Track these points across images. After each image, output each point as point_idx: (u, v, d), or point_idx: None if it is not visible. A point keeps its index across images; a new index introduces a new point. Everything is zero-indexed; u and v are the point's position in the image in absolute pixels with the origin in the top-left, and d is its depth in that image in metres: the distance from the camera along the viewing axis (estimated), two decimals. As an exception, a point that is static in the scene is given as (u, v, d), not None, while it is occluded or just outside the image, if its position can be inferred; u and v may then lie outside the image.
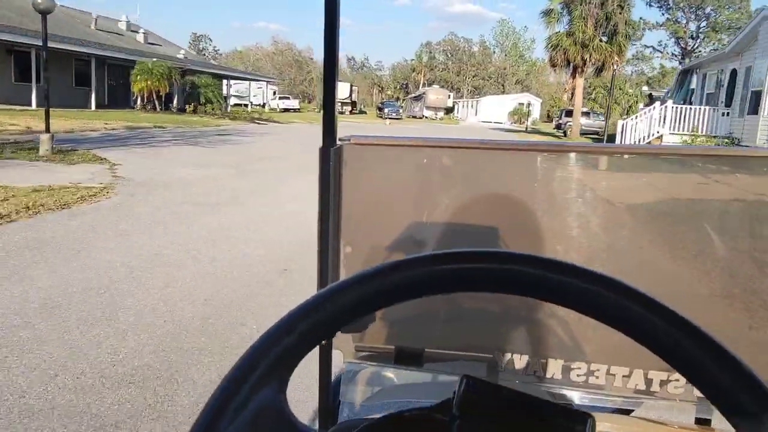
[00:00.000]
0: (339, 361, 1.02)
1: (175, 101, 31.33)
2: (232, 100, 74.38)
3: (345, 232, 0.99)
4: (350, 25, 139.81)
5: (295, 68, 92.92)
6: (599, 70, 31.98)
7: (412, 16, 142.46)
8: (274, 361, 0.41)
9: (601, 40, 30.02)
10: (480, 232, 1.07)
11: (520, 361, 1.03)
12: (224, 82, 41.87)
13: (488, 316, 1.06)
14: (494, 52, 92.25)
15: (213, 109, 30.69)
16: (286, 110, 66.55)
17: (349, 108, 68.06)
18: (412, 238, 1.07)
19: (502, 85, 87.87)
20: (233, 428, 0.39)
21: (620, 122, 21.29)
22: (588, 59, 29.87)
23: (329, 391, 0.95)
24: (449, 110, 78.91)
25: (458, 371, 0.98)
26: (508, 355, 1.03)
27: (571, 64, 31.38)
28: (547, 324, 1.06)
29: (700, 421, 0.99)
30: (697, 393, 0.96)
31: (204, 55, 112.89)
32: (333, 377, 0.97)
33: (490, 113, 61.07)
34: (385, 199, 1.13)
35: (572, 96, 34.09)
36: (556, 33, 31.26)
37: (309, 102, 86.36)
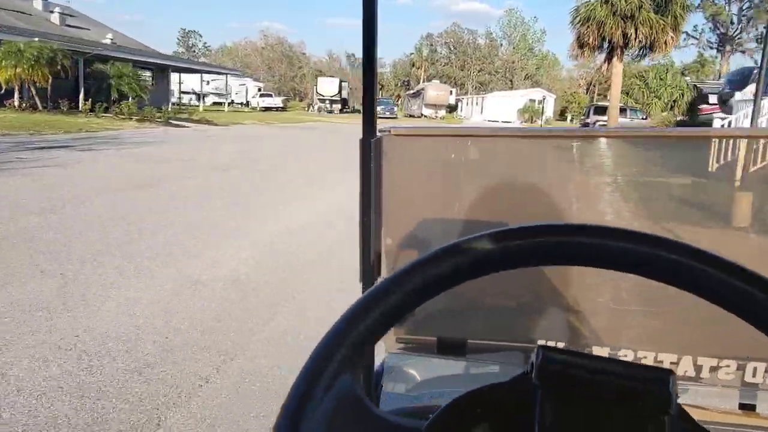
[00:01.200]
0: (380, 352, 0.98)
1: (81, 96, 23.16)
2: (210, 99, 67.03)
3: (385, 224, 0.97)
4: (354, 25, 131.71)
5: (286, 64, 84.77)
6: (645, 52, 23.56)
7: (415, 16, 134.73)
8: (349, 348, 0.41)
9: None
10: (521, 221, 0.84)
11: None
12: (176, 76, 34.15)
13: (531, 306, 1.04)
14: (501, 44, 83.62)
15: (129, 107, 22.52)
16: (267, 109, 58.63)
17: (339, 106, 60.03)
18: (452, 229, 1.06)
19: (510, 81, 79.29)
20: (317, 415, 0.39)
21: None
22: (633, 36, 21.49)
23: (371, 381, 0.93)
24: (452, 108, 70.56)
25: (501, 361, 0.99)
26: (552, 345, 0.97)
27: (607, 44, 23.01)
28: (592, 312, 1.03)
29: (743, 407, 0.98)
30: (744, 378, 0.97)
31: (193, 51, 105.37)
32: (375, 368, 0.96)
33: (497, 111, 52.77)
34: (425, 189, 1.10)
35: (589, 89, 25.53)
36: (586, 2, 22.95)
37: (300, 99, 78.59)
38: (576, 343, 1.02)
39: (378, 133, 0.96)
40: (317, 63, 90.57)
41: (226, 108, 39.44)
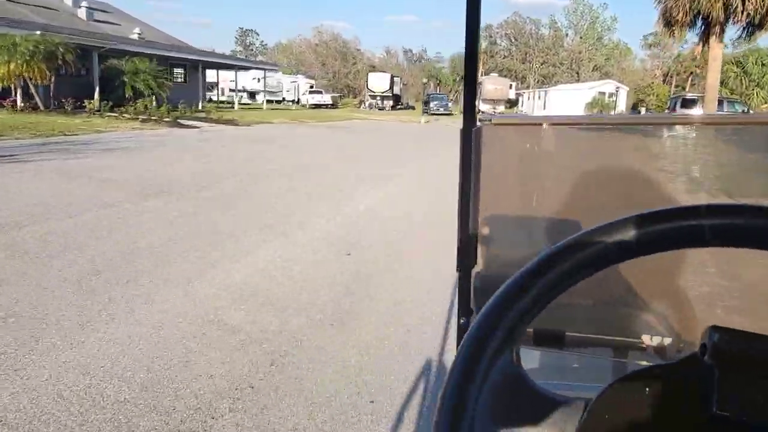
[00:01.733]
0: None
1: (96, 95, 21.06)
2: (263, 96, 65.49)
3: (482, 213, 0.97)
4: (416, 21, 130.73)
5: (340, 60, 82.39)
6: (751, 30, 18.87)
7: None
8: (509, 325, 0.42)
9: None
10: (622, 212, 0.91)
11: (670, 345, 0.97)
12: (212, 73, 31.95)
13: (632, 298, 1.00)
14: (567, 34, 77.67)
15: (145, 105, 20.18)
16: (316, 106, 56.31)
17: (391, 102, 56.85)
18: (551, 219, 1.05)
19: (577, 73, 73.36)
20: (484, 389, 0.40)
21: None
22: (739, 8, 16.99)
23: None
24: (512, 103, 65.97)
25: (601, 354, 0.98)
26: (657, 338, 0.97)
27: (701, 20, 18.54)
28: (698, 305, 0.99)
29: None
30: None
31: (251, 50, 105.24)
32: None
33: (562, 105, 47.93)
34: (523, 178, 1.09)
35: (666, 80, 20.85)
36: (677, -30, 18.59)
37: (354, 96, 76.10)
38: (682, 337, 0.97)
39: (478, 123, 0.94)
40: (371, 59, 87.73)
41: (264, 106, 37.00)
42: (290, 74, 72.69)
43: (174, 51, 26.77)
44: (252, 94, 66.26)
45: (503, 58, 76.96)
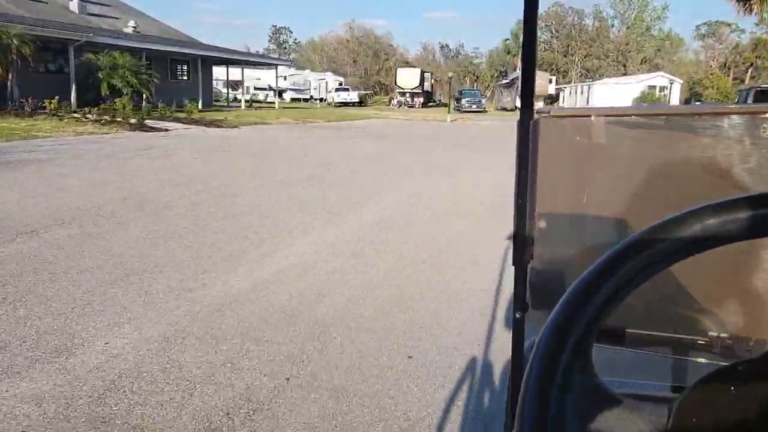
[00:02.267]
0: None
1: (73, 93, 18.61)
2: (288, 94, 63.13)
3: (540, 207, 0.96)
4: (455, 18, 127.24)
5: (371, 56, 79.36)
6: None
7: (517, 3, 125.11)
8: (588, 320, 0.41)
9: None
10: (683, 207, 0.88)
11: (737, 343, 0.94)
12: (221, 70, 29.30)
13: (696, 295, 0.98)
14: (612, 25, 72.42)
15: (123, 104, 17.57)
16: (343, 104, 53.48)
17: (421, 100, 53.41)
18: (609, 215, 1.03)
19: (624, 66, 68.09)
20: (563, 403, 0.39)
21: None
22: None
23: (522, 365, 0.93)
24: (553, 99, 61.70)
25: (661, 352, 0.97)
26: (723, 336, 0.94)
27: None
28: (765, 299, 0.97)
29: None
30: None
31: (284, 48, 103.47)
32: (524, 351, 0.98)
33: (607, 100, 43.59)
34: (581, 173, 1.06)
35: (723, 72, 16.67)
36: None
37: (386, 93, 73.06)
38: (754, 336, 0.94)
39: (536, 115, 0.93)
40: (405, 55, 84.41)
41: (277, 104, 34.13)
42: (319, 71, 70.53)
43: (170, 45, 24.19)
44: (279, 93, 64.18)
45: (544, 51, 72.21)
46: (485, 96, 53.40)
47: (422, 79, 51.82)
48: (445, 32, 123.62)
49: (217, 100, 57.17)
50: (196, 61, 27.09)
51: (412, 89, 51.69)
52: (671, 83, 40.96)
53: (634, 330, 0.95)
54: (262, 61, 30.22)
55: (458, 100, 48.53)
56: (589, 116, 1.03)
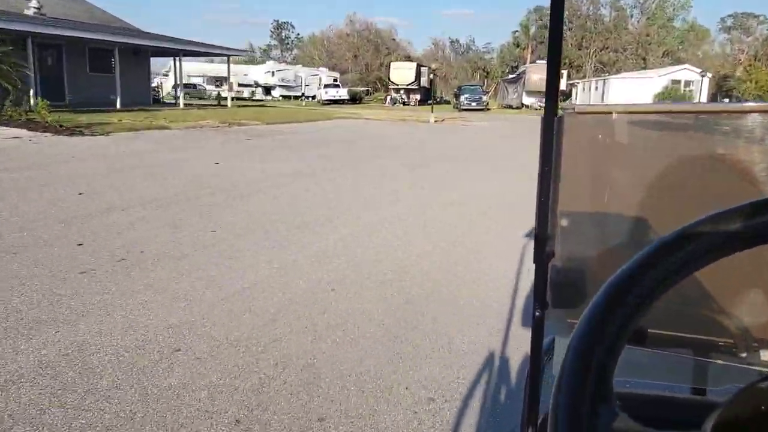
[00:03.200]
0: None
1: None
2: (278, 92, 58.43)
3: (562, 205, 0.95)
4: (470, 14, 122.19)
5: (372, 51, 74.46)
6: None
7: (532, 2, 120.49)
8: (622, 322, 0.41)
9: None
10: (715, 207, 0.87)
11: (763, 346, 0.92)
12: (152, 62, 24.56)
13: (721, 295, 0.96)
14: (632, 15, 66.59)
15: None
16: (332, 102, 48.74)
17: (418, 97, 48.40)
18: (635, 214, 1.01)
19: (643, 59, 62.26)
20: (597, 410, 0.39)
21: None
22: None
23: (540, 364, 0.93)
24: (565, 95, 56.37)
25: (685, 353, 0.95)
26: (749, 339, 0.93)
27: None
28: None
29: None
30: None
31: (287, 43, 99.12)
32: (543, 350, 0.96)
33: (624, 97, 38.27)
34: (606, 171, 1.04)
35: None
36: None
37: (386, 90, 68.36)
38: None
39: (560, 111, 0.92)
40: (407, 49, 79.40)
41: (230, 102, 29.23)
42: (318, 67, 65.93)
43: (77, 30, 19.54)
44: (267, 90, 59.65)
45: (555, 44, 66.70)
46: (487, 92, 48.14)
47: (418, 74, 46.75)
48: (463, 29, 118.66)
49: (202, 98, 53.14)
50: (127, 52, 22.46)
51: (407, 85, 46.71)
52: (703, 76, 35.39)
53: (656, 330, 0.91)
54: (211, 51, 25.28)
55: (457, 96, 43.44)
56: (614, 113, 1.00)
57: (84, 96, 20.88)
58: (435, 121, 24.88)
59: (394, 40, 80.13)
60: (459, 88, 45.47)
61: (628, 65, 60.01)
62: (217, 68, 58.54)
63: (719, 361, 0.90)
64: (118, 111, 19.64)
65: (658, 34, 63.31)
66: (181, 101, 25.82)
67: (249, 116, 20.73)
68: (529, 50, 65.29)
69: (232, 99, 51.10)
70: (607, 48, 63.91)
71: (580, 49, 64.05)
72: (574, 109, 0.98)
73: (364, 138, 14.84)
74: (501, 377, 2.83)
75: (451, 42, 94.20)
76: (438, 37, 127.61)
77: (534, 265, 0.89)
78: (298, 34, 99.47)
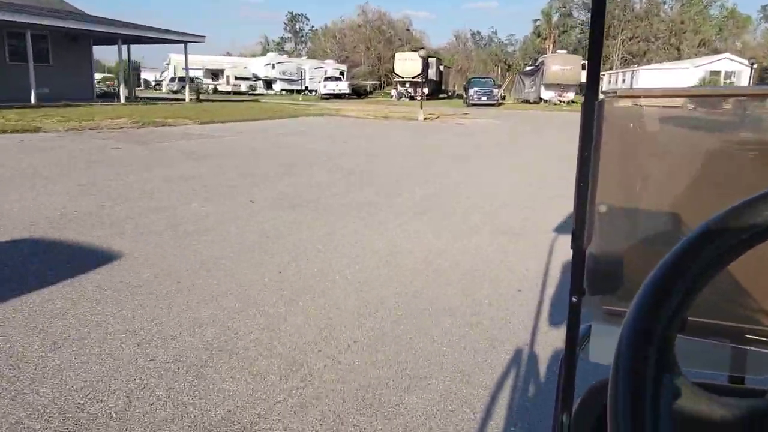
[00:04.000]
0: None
1: None
2: (279, 85, 54.80)
3: (601, 191, 0.94)
4: (494, 7, 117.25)
5: (384, 43, 70.43)
6: None
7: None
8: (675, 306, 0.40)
9: None
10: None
11: None
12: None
13: (761, 283, 0.93)
14: (664, 1, 61.12)
15: None
16: (332, 96, 44.96)
17: (426, 90, 44.14)
18: (676, 201, 0.99)
19: (677, 49, 56.94)
20: (657, 404, 0.38)
21: None
22: None
23: (576, 351, 0.93)
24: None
25: (723, 341, 0.93)
26: None
27: None
28: None
29: None
30: None
31: (301, 36, 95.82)
32: (579, 336, 0.96)
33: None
34: (647, 157, 1.02)
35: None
36: None
37: (394, 84, 64.32)
38: None
39: (601, 95, 0.90)
40: (420, 39, 75.13)
41: (188, 97, 25.51)
42: (329, 59, 62.25)
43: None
44: (268, 83, 56.18)
45: (581, 33, 61.69)
46: (500, 85, 43.72)
47: (425, 66, 42.33)
48: (486, 22, 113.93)
49: (201, 90, 49.89)
50: (60, 37, 19.04)
51: (412, 78, 42.57)
52: (753, 65, 30.55)
53: (695, 318, 0.87)
54: (164, 38, 21.56)
55: (466, 90, 39.23)
56: (660, 96, 0.98)
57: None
58: (425, 119, 20.89)
59: (408, 30, 75.97)
60: (468, 80, 41.20)
61: (660, 56, 54.81)
62: (216, 60, 55.45)
63: (758, 349, 0.87)
64: (32, 107, 16.21)
65: (693, 22, 57.85)
66: (187, 95, 22.16)
67: (192, 114, 17.09)
68: (551, 40, 60.45)
69: (227, 93, 48.10)
70: (636, 37, 58.69)
71: (606, 39, 58.90)
72: (615, 92, 0.94)
73: (298, 151, 11.02)
74: None
75: (472, 34, 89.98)
76: (459, 29, 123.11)
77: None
78: (313, 27, 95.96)
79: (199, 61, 54.69)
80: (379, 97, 49.36)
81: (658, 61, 50.21)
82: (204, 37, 22.84)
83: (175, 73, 56.53)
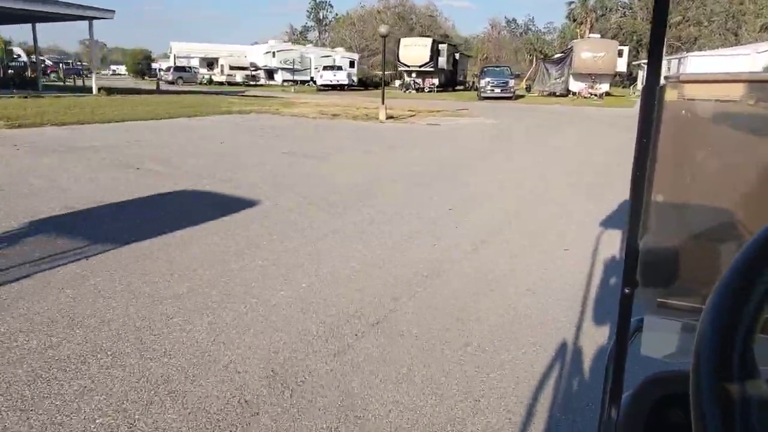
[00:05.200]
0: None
1: None
2: (281, 76, 50.05)
3: (658, 180, 0.90)
4: None
5: (404, 30, 64.98)
6: None
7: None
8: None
9: None
10: None
11: None
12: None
13: None
14: (721, -20, 53.46)
15: None
16: (330, 88, 40.06)
17: (435, 81, 38.48)
18: (740, 194, 0.95)
19: (734, 34, 49.55)
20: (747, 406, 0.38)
21: None
22: None
23: (626, 344, 0.91)
24: (630, 79, 45.58)
25: None
26: None
27: None
28: None
29: None
30: None
31: (325, 25, 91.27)
32: (630, 329, 0.94)
33: (706, 81, 27.42)
34: (710, 146, 0.97)
35: None
36: None
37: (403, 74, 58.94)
38: None
39: (662, 80, 0.86)
40: (443, 26, 69.37)
41: (94, 89, 20.92)
42: (345, 48, 57.44)
43: None
44: (270, 73, 51.59)
45: (621, 16, 54.89)
46: (517, 75, 37.86)
47: (435, 53, 37.06)
48: (522, 9, 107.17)
49: (197, 82, 45.89)
50: None
51: (419, 67, 37.22)
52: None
53: None
54: (61, 13, 16.75)
55: (479, 81, 33.67)
56: (729, 81, 0.94)
57: None
58: (389, 119, 15.80)
59: (431, 17, 70.29)
60: (481, 69, 35.56)
61: (714, 41, 47.65)
62: (211, 49, 51.21)
63: None
64: None
65: (755, 4, 50.23)
66: (94, 85, 17.81)
67: (86, 113, 12.57)
68: (588, 25, 53.80)
69: (222, 84, 43.55)
70: (687, 21, 51.53)
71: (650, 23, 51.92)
72: (678, 77, 0.91)
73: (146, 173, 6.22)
74: None
75: (507, 22, 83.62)
76: (495, 17, 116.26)
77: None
78: (336, 14, 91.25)
79: (193, 49, 50.72)
80: (389, 89, 44.25)
81: (711, 47, 43.23)
82: (113, 12, 18.23)
83: (175, 62, 52.91)
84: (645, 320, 0.93)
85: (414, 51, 37.12)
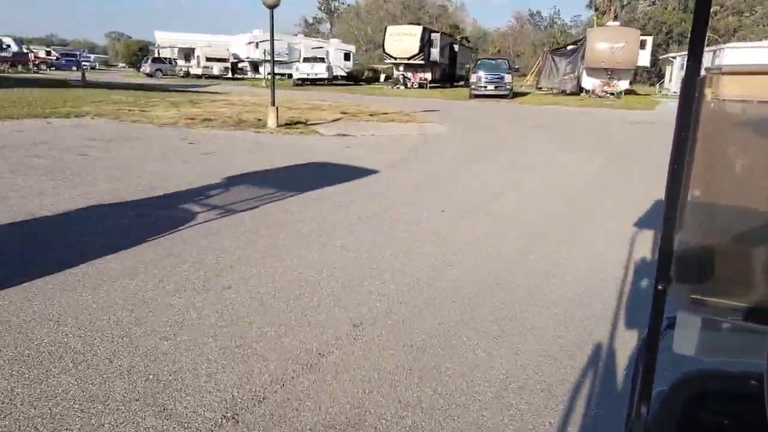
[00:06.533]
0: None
1: None
2: (267, 68, 45.84)
3: (695, 174, 0.89)
4: None
5: (408, 19, 60.31)
6: None
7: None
8: None
9: None
10: None
11: None
12: None
13: None
14: (766, -36, 47.33)
15: None
16: (308, 83, 35.80)
17: (427, 75, 33.78)
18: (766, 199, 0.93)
19: (779, 25, 43.49)
20: None
21: None
22: None
23: (658, 340, 0.91)
24: (658, 75, 40.27)
25: None
26: None
27: None
28: None
29: None
30: None
31: (336, 16, 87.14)
32: (662, 327, 0.93)
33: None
34: (748, 140, 0.95)
35: None
36: None
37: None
38: None
39: (703, 72, 0.84)
40: (457, 15, 64.44)
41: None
42: (350, 40, 53.27)
43: None
44: (255, 66, 47.56)
45: (650, 5, 49.25)
46: (516, 69, 32.94)
47: (426, 43, 32.41)
48: (551, 3, 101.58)
49: (173, 75, 42.18)
50: None
51: (408, 59, 32.64)
52: None
53: None
54: None
55: (475, 74, 28.94)
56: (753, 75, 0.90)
57: None
58: (279, 127, 11.42)
59: (443, 6, 65.40)
60: (475, 62, 30.74)
61: (756, 33, 41.82)
62: (188, 39, 47.45)
63: None
64: None
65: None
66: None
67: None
68: (612, 14, 48.27)
69: (199, 77, 39.63)
70: (725, 9, 45.67)
71: (685, 12, 46.23)
72: (720, 69, 0.87)
73: None
74: None
75: (531, 15, 78.30)
76: (519, 9, 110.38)
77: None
78: (346, 4, 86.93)
79: (172, 40, 47.12)
80: (381, 85, 39.70)
81: (751, 39, 37.51)
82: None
83: (157, 53, 49.43)
84: (678, 317, 0.90)
85: (401, 41, 32.55)
